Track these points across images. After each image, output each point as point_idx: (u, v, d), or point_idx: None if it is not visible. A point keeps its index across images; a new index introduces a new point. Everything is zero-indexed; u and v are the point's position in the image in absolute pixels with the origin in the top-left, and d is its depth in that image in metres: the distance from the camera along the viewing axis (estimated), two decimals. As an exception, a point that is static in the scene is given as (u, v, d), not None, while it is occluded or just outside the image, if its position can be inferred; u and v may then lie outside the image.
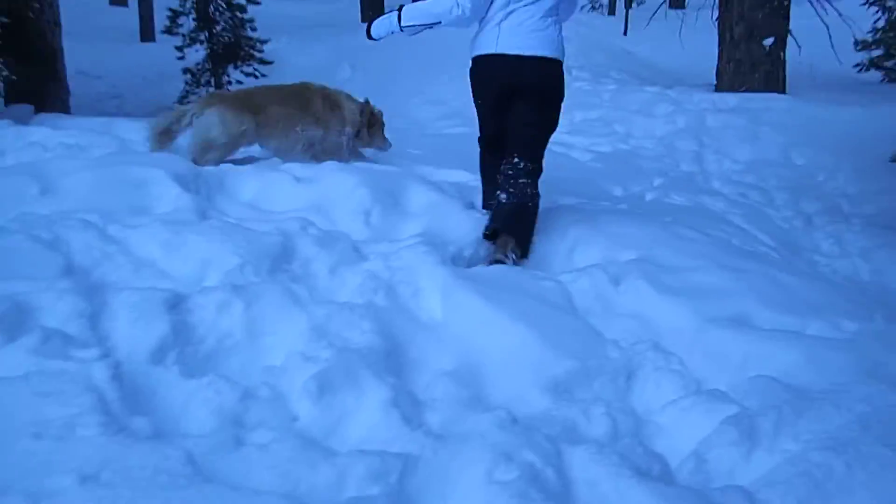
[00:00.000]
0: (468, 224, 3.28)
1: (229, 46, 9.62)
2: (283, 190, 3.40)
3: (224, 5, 9.59)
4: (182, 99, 9.44)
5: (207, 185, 3.31)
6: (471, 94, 3.42)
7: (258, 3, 10.02)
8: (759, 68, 9.19)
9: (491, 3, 3.15)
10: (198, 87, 9.71)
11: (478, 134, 3.55)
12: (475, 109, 3.46)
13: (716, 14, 10.46)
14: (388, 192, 3.42)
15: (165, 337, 2.10)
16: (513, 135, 3.25)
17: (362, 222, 3.19)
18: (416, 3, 3.29)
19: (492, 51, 3.16)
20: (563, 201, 3.98)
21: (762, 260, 3.42)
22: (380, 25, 3.39)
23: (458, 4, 3.13)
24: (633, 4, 16.30)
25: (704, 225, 4.10)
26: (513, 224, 3.13)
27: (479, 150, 3.58)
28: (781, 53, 9.26)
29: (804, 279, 3.04)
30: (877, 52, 11.40)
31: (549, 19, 3.15)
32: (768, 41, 9.11)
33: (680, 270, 2.85)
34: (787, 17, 9.19)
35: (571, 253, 3.21)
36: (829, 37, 10.05)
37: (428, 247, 2.84)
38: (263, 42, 9.84)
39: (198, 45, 9.71)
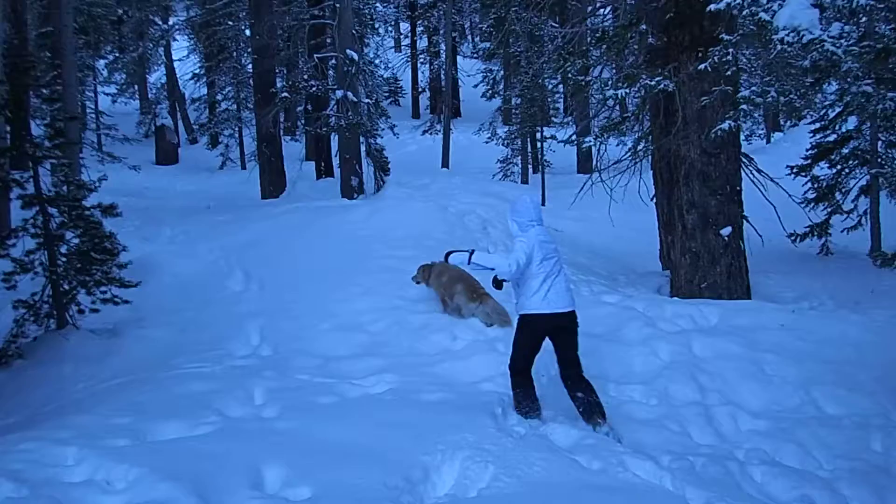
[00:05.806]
0: None
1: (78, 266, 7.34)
2: None
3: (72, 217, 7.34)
4: (12, 342, 6.92)
5: None
6: None
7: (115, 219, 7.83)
8: (719, 261, 8.01)
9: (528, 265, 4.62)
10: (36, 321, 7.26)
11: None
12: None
13: (651, 192, 9.49)
14: None
15: None
16: (567, 356, 4.77)
17: None
18: (485, 254, 5.32)
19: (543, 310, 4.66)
20: None
21: None
22: (455, 258, 4.94)
23: (510, 266, 4.59)
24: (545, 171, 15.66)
25: None
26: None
27: (514, 376, 4.80)
28: (741, 243, 8.16)
29: None
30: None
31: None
32: (726, 231, 8.00)
33: None
34: (741, 203, 8.20)
35: None
36: (779, 218, 9.22)
37: None
38: (122, 266, 7.49)
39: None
